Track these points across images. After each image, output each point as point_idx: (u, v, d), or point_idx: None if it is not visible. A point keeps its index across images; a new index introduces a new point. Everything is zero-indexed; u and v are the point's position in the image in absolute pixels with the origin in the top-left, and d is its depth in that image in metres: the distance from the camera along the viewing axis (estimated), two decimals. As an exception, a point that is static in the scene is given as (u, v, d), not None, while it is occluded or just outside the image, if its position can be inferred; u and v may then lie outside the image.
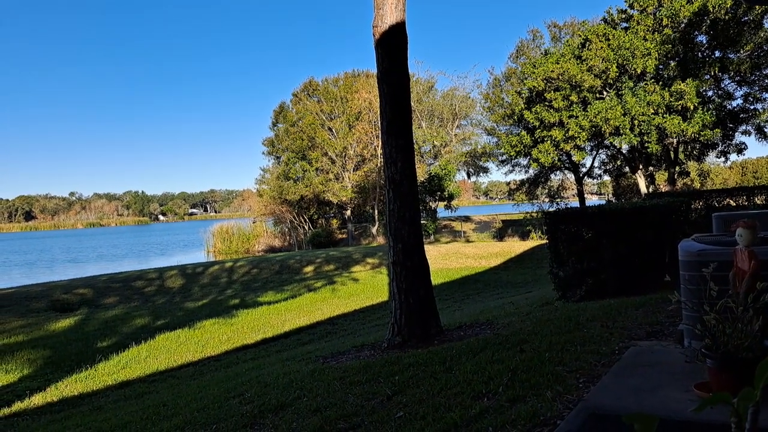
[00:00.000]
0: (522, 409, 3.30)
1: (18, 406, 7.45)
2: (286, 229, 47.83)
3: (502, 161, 38.11)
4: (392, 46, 6.95)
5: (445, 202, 41.37)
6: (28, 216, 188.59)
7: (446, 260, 21.67)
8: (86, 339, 11.62)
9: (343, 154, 43.62)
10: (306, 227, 46.53)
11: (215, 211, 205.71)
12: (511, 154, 32.08)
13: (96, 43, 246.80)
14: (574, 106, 26.88)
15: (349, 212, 45.75)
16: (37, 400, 7.69)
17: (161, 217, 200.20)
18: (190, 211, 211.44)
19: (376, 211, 43.01)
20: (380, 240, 39.83)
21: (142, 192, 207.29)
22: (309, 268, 21.74)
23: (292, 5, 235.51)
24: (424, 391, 4.11)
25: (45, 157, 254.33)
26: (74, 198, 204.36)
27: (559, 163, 32.75)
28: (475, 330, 6.76)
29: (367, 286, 17.30)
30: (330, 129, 44.16)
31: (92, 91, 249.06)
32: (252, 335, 11.35)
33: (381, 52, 6.96)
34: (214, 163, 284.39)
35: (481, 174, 53.19)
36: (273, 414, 4.34)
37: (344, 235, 45.01)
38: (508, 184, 45.54)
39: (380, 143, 8.69)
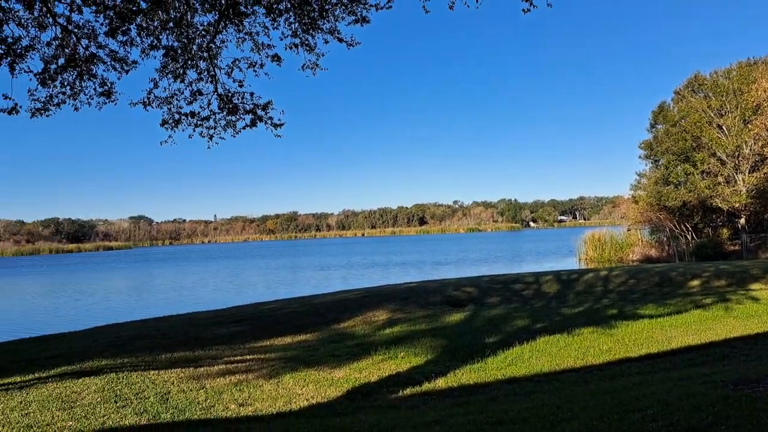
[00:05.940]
0: None
1: (426, 386, 8.61)
2: (665, 239, 44.46)
3: None
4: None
5: None
6: (422, 221, 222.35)
7: None
8: (474, 333, 12.74)
9: (736, 153, 38.65)
10: (688, 237, 42.46)
11: (584, 218, 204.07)
12: None
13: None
14: None
15: (743, 220, 40.20)
16: (440, 383, 8.75)
17: (532, 224, 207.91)
18: (559, 218, 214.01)
19: (779, 220, 36.64)
20: (786, 254, 33.67)
21: (515, 200, 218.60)
22: (694, 282, 19.67)
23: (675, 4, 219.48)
24: None
25: (433, 168, 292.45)
26: (457, 206, 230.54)
27: None
28: None
29: (772, 307, 14.75)
30: (719, 126, 39.57)
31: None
32: (634, 349, 10.84)
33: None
34: (584, 170, 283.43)
35: None
36: (683, 436, 4.05)
37: (736, 247, 39.73)
38: None
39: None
